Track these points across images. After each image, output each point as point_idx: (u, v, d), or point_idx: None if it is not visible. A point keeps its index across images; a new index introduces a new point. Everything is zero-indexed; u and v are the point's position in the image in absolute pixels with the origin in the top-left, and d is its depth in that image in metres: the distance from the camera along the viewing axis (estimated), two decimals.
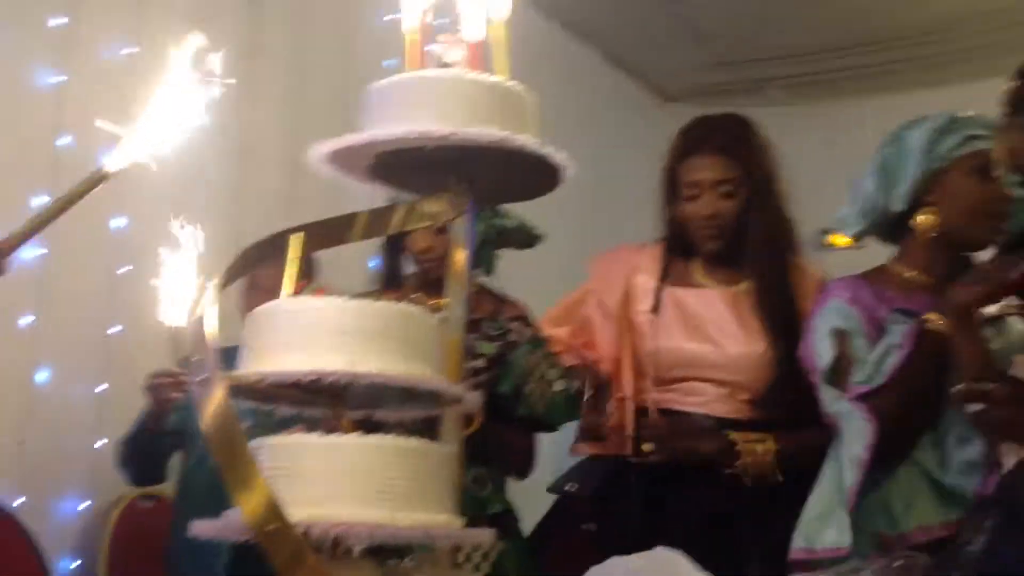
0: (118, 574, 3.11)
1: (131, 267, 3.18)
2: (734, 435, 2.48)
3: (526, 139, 1.62)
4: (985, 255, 2.23)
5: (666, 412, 2.57)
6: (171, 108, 1.93)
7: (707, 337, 2.59)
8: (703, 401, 2.57)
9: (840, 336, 2.26)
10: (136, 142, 2.08)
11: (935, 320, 2.13)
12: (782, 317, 2.55)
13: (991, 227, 2.19)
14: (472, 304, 2.47)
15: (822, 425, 2.28)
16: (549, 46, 4.85)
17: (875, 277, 2.35)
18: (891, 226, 2.36)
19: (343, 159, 1.74)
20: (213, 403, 1.44)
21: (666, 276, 2.67)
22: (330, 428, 1.61)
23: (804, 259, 2.69)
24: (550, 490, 2.97)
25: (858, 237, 2.46)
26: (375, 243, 2.80)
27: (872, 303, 2.27)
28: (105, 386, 3.21)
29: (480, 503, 2.59)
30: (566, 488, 2.74)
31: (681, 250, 2.68)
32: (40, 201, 2.81)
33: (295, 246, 1.71)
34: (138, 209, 3.22)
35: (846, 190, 2.44)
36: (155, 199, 2.92)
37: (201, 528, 1.52)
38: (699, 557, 1.89)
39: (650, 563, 1.82)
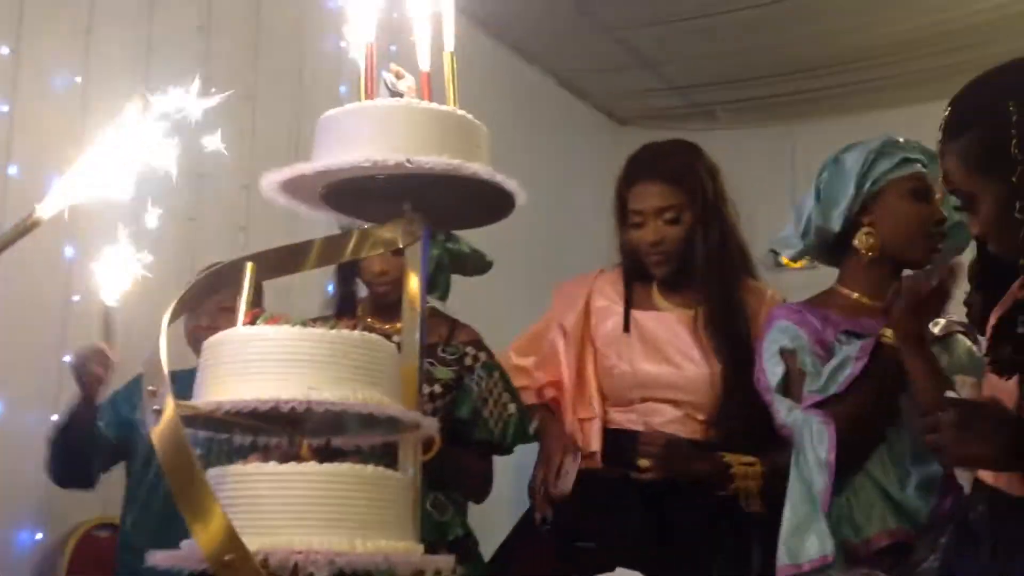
0: None
1: (83, 296, 3.15)
2: (729, 457, 2.51)
3: (478, 167, 1.64)
4: None
5: (626, 433, 2.61)
6: (110, 153, 1.92)
7: (666, 358, 2.63)
8: (662, 422, 2.61)
9: (788, 355, 2.30)
10: (71, 186, 2.09)
11: (890, 336, 2.18)
12: (731, 339, 2.60)
13: (927, 247, 2.25)
14: (426, 329, 2.48)
15: (780, 444, 2.32)
16: (500, 70, 4.89)
17: (820, 301, 2.40)
18: (831, 247, 2.42)
19: (296, 187, 1.75)
20: (168, 432, 1.44)
21: (627, 299, 2.71)
22: (287, 456, 1.61)
23: (758, 280, 2.74)
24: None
25: (797, 258, 2.51)
26: (329, 268, 2.80)
27: (818, 326, 2.32)
28: (58, 416, 3.17)
29: (440, 528, 2.60)
30: (579, 545, 2.71)
31: (638, 274, 2.72)
32: None
33: (249, 274, 1.71)
34: (91, 238, 3.19)
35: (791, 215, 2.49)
36: (108, 228, 2.90)
37: (157, 559, 1.51)
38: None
39: None
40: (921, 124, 1.89)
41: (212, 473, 1.49)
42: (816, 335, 2.30)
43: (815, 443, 2.18)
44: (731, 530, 2.47)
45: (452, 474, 2.60)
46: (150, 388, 1.47)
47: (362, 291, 2.81)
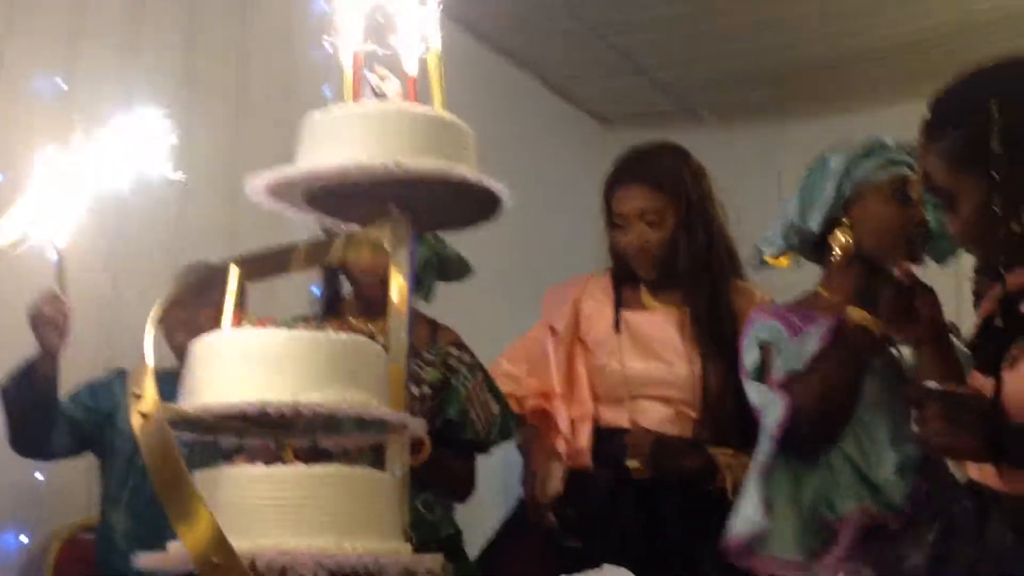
0: None
1: (69, 296, 3.14)
2: (715, 451, 2.53)
3: (465, 169, 1.65)
4: None
5: (618, 431, 2.63)
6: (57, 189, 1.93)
7: (656, 356, 2.66)
8: (653, 420, 2.63)
9: (764, 346, 2.32)
10: (21, 219, 2.10)
11: (855, 313, 2.19)
12: (715, 339, 2.61)
13: (905, 250, 2.25)
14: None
15: None
16: (486, 72, 4.88)
17: (804, 303, 2.41)
18: (813, 246, 2.43)
19: (282, 190, 1.75)
20: (154, 434, 1.44)
21: (618, 300, 2.72)
22: (272, 457, 1.62)
23: (746, 280, 2.75)
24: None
25: (778, 256, 2.53)
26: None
27: (798, 323, 2.33)
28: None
29: (433, 527, 2.61)
30: (564, 543, 2.72)
31: (627, 276, 2.74)
32: None
33: (234, 277, 1.71)
34: (74, 240, 3.19)
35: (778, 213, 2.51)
36: (92, 230, 2.89)
37: (144, 561, 1.51)
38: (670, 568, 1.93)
39: None
40: (907, 124, 1.90)
41: (199, 475, 1.49)
42: (794, 329, 2.32)
43: (769, 417, 2.21)
44: (721, 525, 2.48)
45: (438, 475, 2.60)
46: (135, 391, 1.48)
47: (345, 288, 2.80)
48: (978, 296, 2.33)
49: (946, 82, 1.74)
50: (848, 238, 2.32)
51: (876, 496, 2.20)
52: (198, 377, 1.56)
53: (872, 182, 2.31)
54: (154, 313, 1.63)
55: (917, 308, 1.91)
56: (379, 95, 1.76)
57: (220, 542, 1.38)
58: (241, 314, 1.70)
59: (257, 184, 1.72)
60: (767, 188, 5.02)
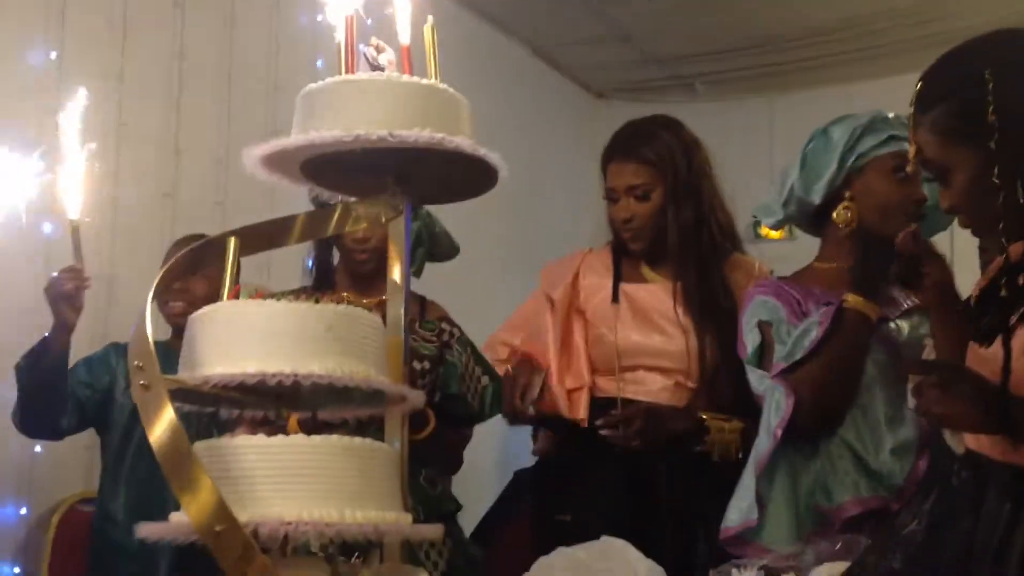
0: None
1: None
2: (704, 414, 2.56)
3: (461, 140, 1.65)
4: None
5: (614, 401, 2.65)
6: None
7: (655, 327, 2.68)
8: (650, 390, 2.64)
9: (765, 326, 2.33)
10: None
11: (853, 300, 2.21)
12: (708, 312, 2.63)
13: (903, 226, 2.26)
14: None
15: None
16: (477, 43, 4.87)
17: (802, 276, 2.42)
18: (812, 218, 2.44)
19: (276, 161, 1.75)
20: (155, 405, 1.44)
21: (617, 273, 2.74)
22: (274, 429, 1.62)
23: (742, 253, 2.77)
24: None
25: (778, 226, 2.53)
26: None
27: (798, 299, 2.34)
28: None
29: (436, 502, 2.63)
30: (556, 517, 2.74)
31: (626, 248, 2.77)
32: None
33: (232, 250, 1.71)
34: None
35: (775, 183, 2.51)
36: (85, 204, 2.89)
37: (146, 531, 1.52)
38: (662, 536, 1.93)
39: (596, 553, 1.85)
40: (900, 95, 1.90)
41: (200, 446, 1.50)
42: (795, 308, 2.32)
43: (771, 412, 2.22)
44: (714, 494, 2.49)
45: (438, 450, 2.63)
46: (136, 363, 1.48)
47: (337, 261, 2.80)
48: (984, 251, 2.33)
49: (939, 55, 1.74)
50: (850, 212, 2.33)
51: (874, 481, 2.21)
52: (198, 349, 1.56)
53: (874, 156, 2.32)
54: (154, 286, 1.63)
55: (925, 273, 1.91)
56: (375, 67, 1.76)
57: (223, 511, 1.39)
58: (237, 286, 1.70)
59: (253, 155, 1.72)
60: (761, 159, 5.05)
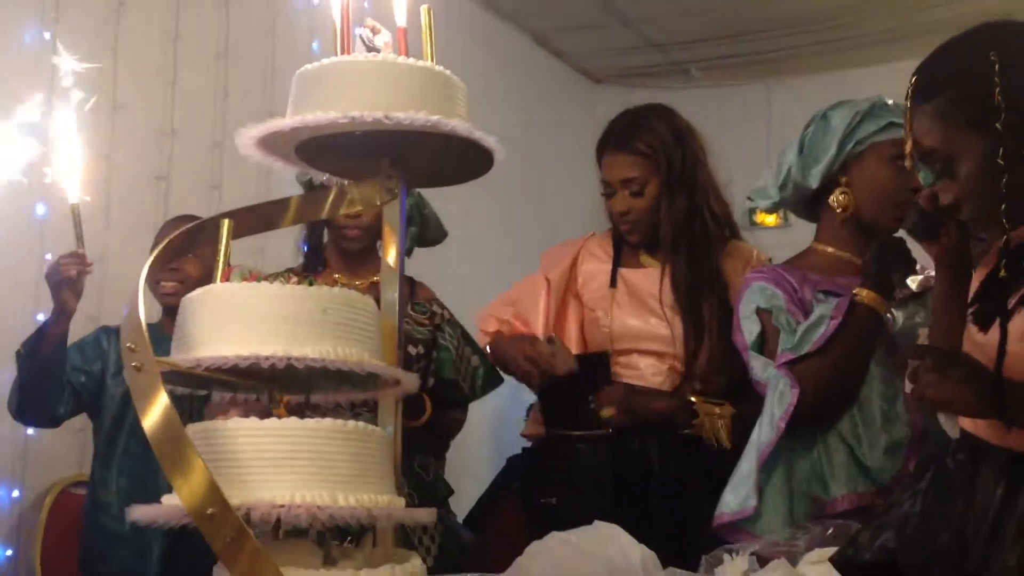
0: (53, 562, 3.08)
1: (56, 255, 3.13)
2: (694, 397, 2.56)
3: (457, 123, 1.64)
4: None
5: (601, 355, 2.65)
6: None
7: (652, 312, 2.68)
8: (643, 375, 2.64)
9: (763, 313, 2.32)
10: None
11: (866, 296, 2.20)
12: (697, 300, 2.63)
13: (898, 215, 2.24)
14: None
15: (756, 398, 2.35)
16: (475, 28, 4.86)
17: (798, 262, 2.41)
18: (808, 203, 2.43)
19: (271, 143, 1.74)
20: (148, 387, 1.44)
21: (616, 258, 2.74)
22: (266, 412, 1.62)
23: (738, 241, 2.76)
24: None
25: (773, 209, 2.51)
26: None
27: (795, 285, 2.33)
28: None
29: (430, 487, 2.63)
30: (542, 500, 2.74)
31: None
32: None
33: (226, 232, 1.70)
34: (63, 195, 3.17)
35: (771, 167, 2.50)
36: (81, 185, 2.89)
37: (138, 513, 1.51)
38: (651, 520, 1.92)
39: (589, 537, 1.85)
40: (898, 81, 1.89)
41: (193, 429, 1.49)
42: (793, 295, 2.31)
43: (775, 403, 2.21)
44: (706, 479, 2.49)
45: (432, 435, 2.63)
46: (129, 345, 1.47)
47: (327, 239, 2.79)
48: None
49: (936, 44, 1.73)
50: (847, 197, 2.32)
51: (866, 477, 2.21)
52: (191, 331, 1.55)
53: (872, 143, 2.31)
54: (146, 268, 1.62)
55: (942, 232, 1.87)
56: (371, 49, 1.75)
57: (215, 494, 1.38)
58: (230, 268, 1.69)
59: (248, 137, 1.71)
60: (759, 145, 5.04)
